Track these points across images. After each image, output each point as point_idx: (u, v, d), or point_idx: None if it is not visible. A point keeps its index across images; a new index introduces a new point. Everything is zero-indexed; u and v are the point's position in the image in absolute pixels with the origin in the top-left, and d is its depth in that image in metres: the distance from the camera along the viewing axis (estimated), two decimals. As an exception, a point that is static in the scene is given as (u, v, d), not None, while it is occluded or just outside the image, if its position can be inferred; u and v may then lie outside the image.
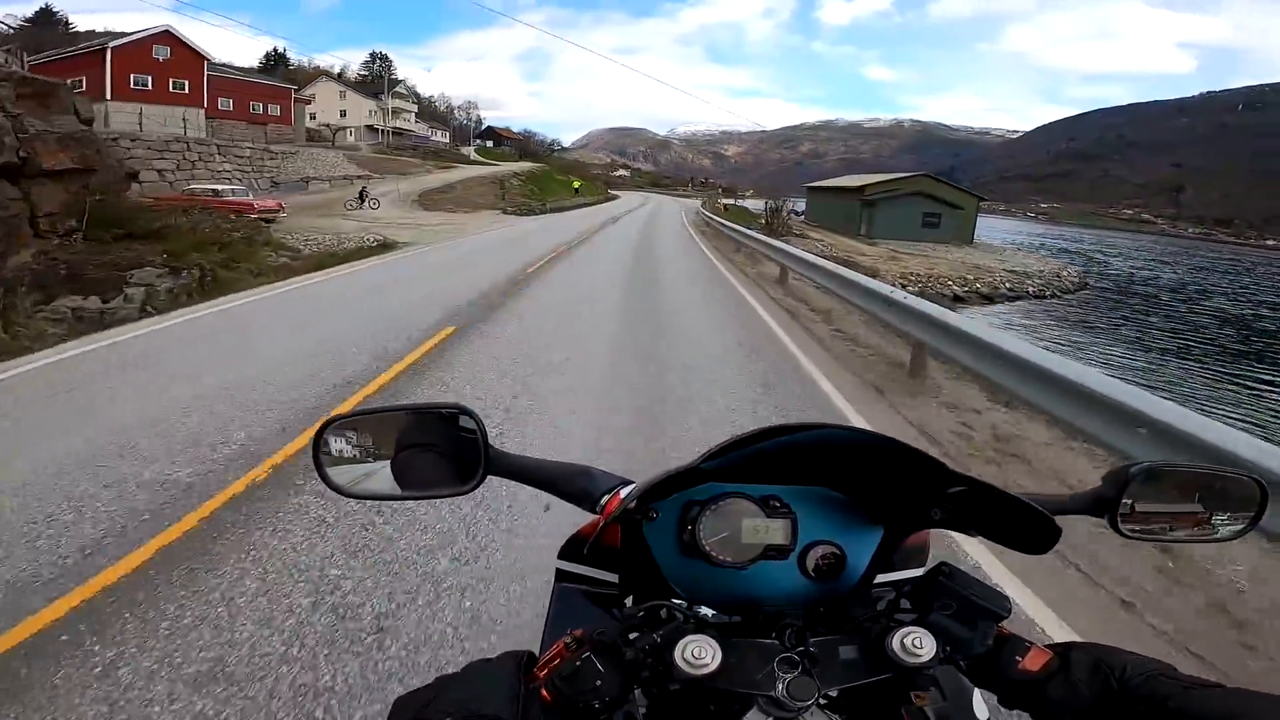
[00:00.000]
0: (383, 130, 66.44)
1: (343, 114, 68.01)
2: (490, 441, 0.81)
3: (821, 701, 0.69)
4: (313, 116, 62.49)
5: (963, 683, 0.69)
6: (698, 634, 0.61)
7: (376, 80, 76.24)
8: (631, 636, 0.62)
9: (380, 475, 0.82)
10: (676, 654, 0.60)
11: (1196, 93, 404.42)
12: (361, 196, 27.87)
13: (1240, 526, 0.83)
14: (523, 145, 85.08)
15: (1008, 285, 30.37)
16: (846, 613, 0.75)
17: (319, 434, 0.80)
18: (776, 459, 0.75)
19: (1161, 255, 75.59)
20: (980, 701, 0.72)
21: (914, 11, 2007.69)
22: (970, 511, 0.74)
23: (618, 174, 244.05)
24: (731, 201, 62.12)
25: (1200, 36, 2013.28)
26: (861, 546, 0.80)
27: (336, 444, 0.81)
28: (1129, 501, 0.79)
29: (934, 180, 51.46)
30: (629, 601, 0.83)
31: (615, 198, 65.24)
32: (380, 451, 0.82)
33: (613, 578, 0.88)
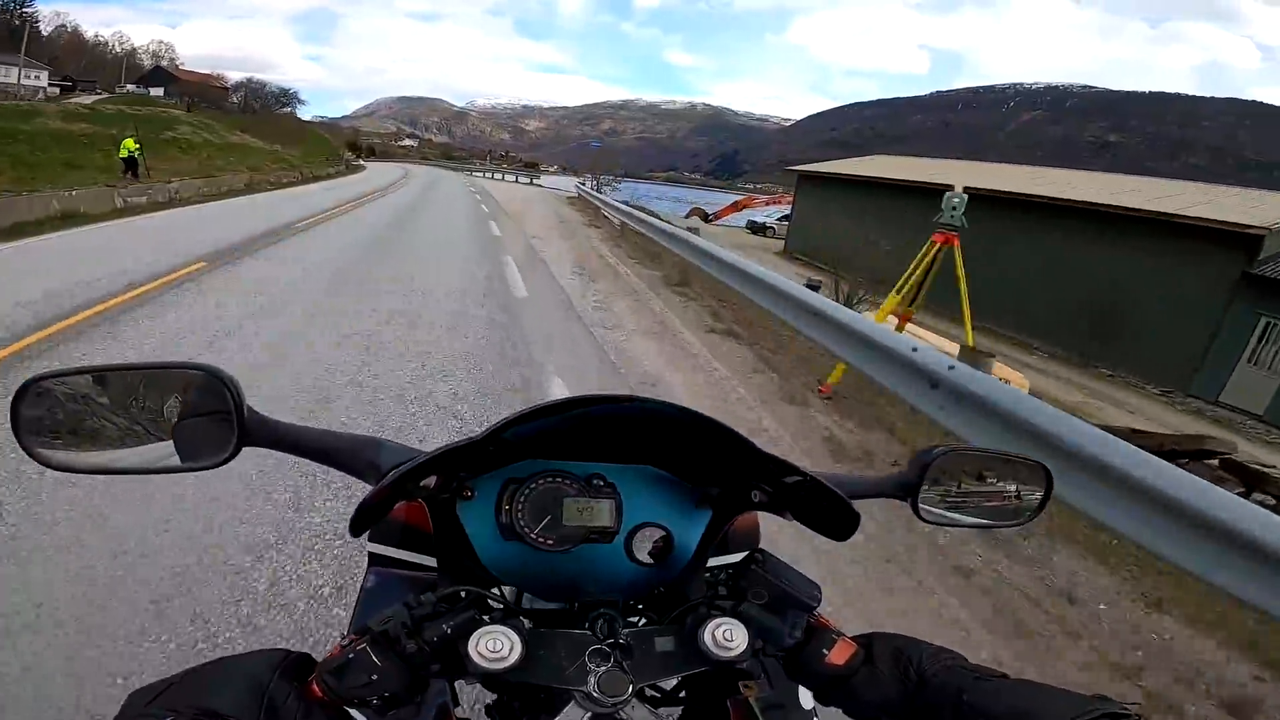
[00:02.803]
0: None
1: None
2: (250, 406, 0.64)
3: (649, 692, 0.67)
4: None
5: None
6: (497, 625, 0.56)
7: None
8: (424, 627, 0.55)
9: (104, 441, 0.65)
10: (470, 646, 0.54)
11: (928, 91, 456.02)
12: None
13: (1031, 510, 0.83)
14: (202, 92, 54.95)
15: None
16: (680, 597, 0.72)
17: (19, 396, 0.61)
18: (598, 434, 0.70)
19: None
20: (806, 692, 0.69)
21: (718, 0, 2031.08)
22: (786, 495, 0.71)
23: (403, 144, 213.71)
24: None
25: (934, 39, 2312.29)
26: (689, 529, 0.75)
27: (43, 406, 0.63)
28: (930, 484, 0.77)
29: None
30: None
31: (317, 179, 27.71)
32: (109, 417, 0.65)
33: (431, 561, 0.77)
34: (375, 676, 0.52)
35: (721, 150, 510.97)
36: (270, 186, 20.03)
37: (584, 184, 32.83)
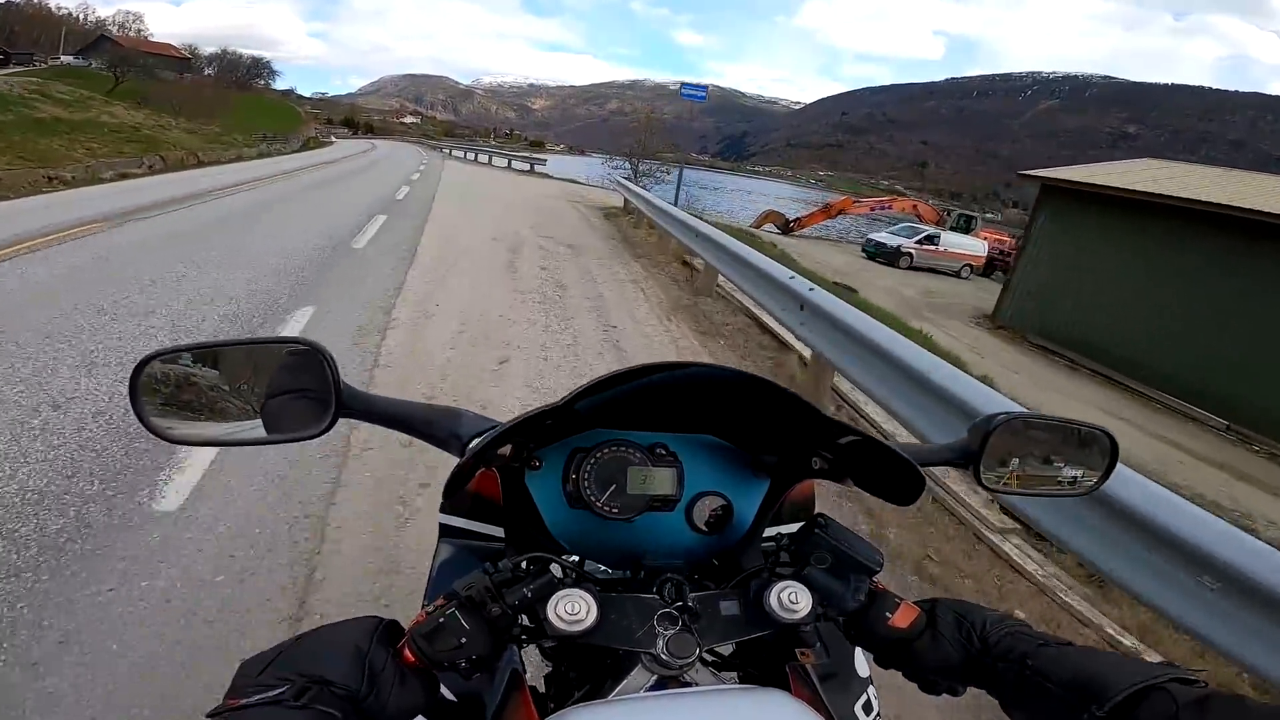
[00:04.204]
0: None
1: None
2: (344, 379, 0.66)
3: (708, 657, 0.68)
4: None
5: (846, 640, 0.66)
6: (573, 589, 0.57)
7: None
8: (505, 591, 0.55)
9: (217, 415, 0.67)
10: (549, 610, 0.55)
11: (943, 78, 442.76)
12: None
13: (1095, 479, 0.81)
14: (128, 60, 39.99)
15: None
16: (736, 566, 0.72)
17: (138, 371, 0.63)
18: (661, 403, 0.70)
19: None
20: (862, 659, 0.70)
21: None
22: (847, 461, 0.70)
23: (404, 120, 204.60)
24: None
25: (950, 25, 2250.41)
26: (748, 498, 0.76)
27: (160, 382, 0.65)
28: (992, 452, 0.75)
29: None
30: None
31: (202, 164, 17.45)
32: (218, 389, 0.67)
33: (499, 531, 0.79)
34: (464, 640, 0.53)
35: (730, 132, 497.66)
36: (23, 191, 9.56)
37: (618, 171, 21.82)
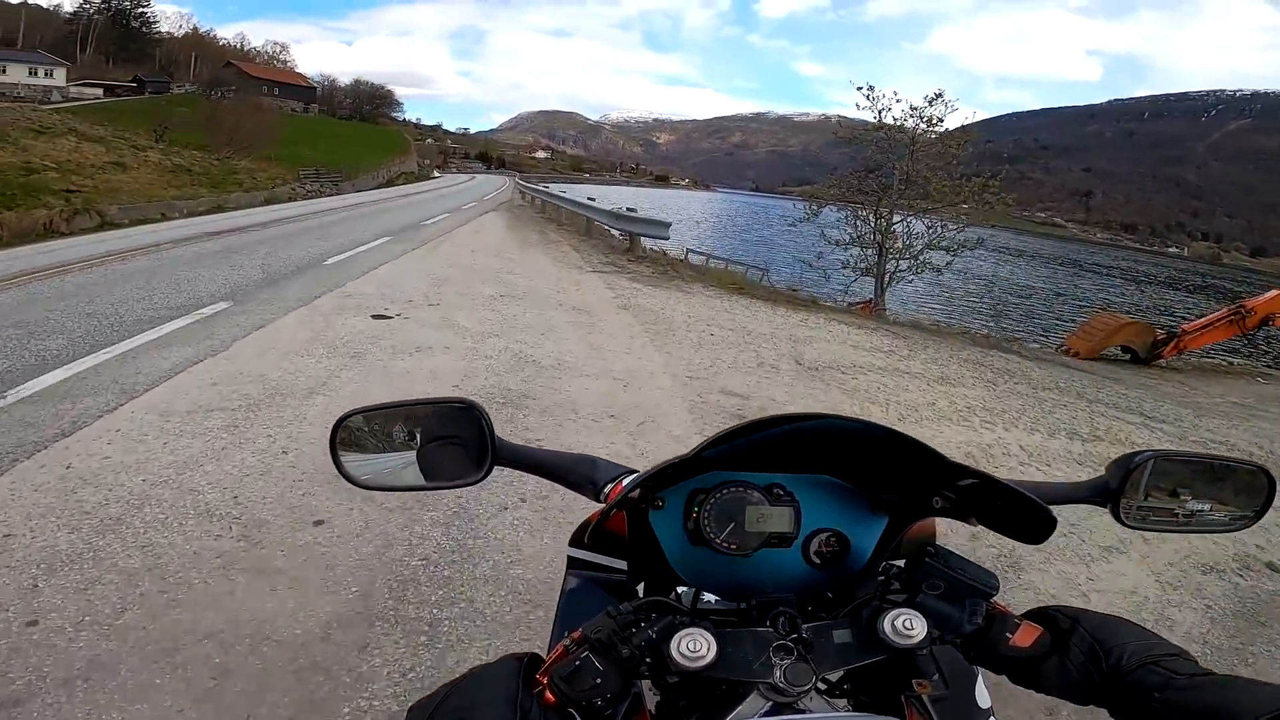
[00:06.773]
0: None
1: None
2: (496, 433, 0.78)
3: (821, 686, 0.69)
4: None
5: (965, 670, 0.66)
6: (693, 627, 0.60)
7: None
8: (630, 632, 0.59)
9: (393, 466, 0.80)
10: (672, 648, 0.58)
11: (1104, 100, 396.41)
12: None
13: (1246, 517, 0.77)
14: (223, 82, 37.45)
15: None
16: (850, 596, 0.74)
17: (336, 428, 0.78)
18: (780, 447, 0.73)
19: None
20: (983, 689, 0.70)
21: (848, 9, 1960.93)
22: (971, 500, 0.72)
23: (535, 155, 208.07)
24: None
25: (1107, 45, 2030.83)
26: (865, 534, 0.78)
27: (352, 437, 0.79)
28: (1132, 491, 0.74)
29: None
30: (641, 589, 0.82)
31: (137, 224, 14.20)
32: (392, 443, 0.81)
33: (622, 564, 0.84)
34: (599, 680, 0.56)
35: (860, 165, 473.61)
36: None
37: (834, 252, 14.11)
